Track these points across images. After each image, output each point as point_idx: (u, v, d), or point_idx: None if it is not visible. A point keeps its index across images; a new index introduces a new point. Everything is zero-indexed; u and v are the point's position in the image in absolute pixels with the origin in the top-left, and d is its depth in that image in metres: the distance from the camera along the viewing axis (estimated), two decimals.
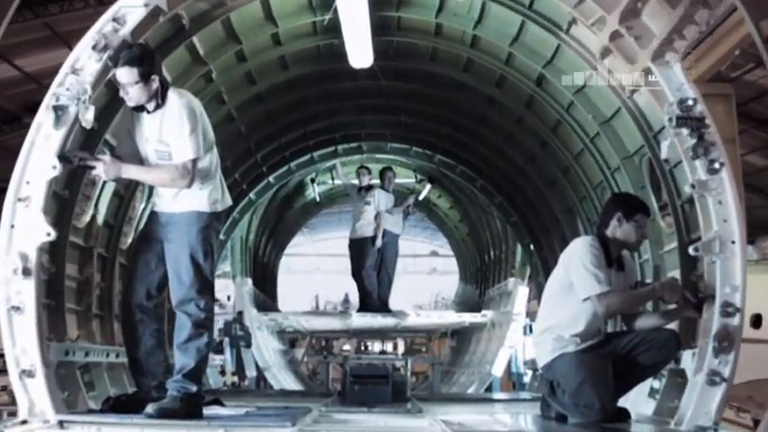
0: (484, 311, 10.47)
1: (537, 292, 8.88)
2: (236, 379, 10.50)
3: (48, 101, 3.78)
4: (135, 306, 3.96)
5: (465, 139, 8.08)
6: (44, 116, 3.77)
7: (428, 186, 11.58)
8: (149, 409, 3.73)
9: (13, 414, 4.54)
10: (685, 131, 4.02)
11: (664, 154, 4.27)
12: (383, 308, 9.63)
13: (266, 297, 11.94)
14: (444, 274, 23.66)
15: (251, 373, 10.56)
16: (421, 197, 12.00)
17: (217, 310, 4.63)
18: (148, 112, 3.85)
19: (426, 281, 25.31)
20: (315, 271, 25.60)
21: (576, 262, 3.92)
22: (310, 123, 8.19)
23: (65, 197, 4.28)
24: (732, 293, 3.78)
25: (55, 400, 3.70)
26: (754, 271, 5.67)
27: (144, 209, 5.72)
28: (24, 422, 3.60)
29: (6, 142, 11.93)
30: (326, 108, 7.93)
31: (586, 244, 3.99)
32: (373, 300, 9.57)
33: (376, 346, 14.14)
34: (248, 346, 10.07)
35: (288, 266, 25.22)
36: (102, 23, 3.87)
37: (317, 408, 5.08)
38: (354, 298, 12.82)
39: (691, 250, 4.00)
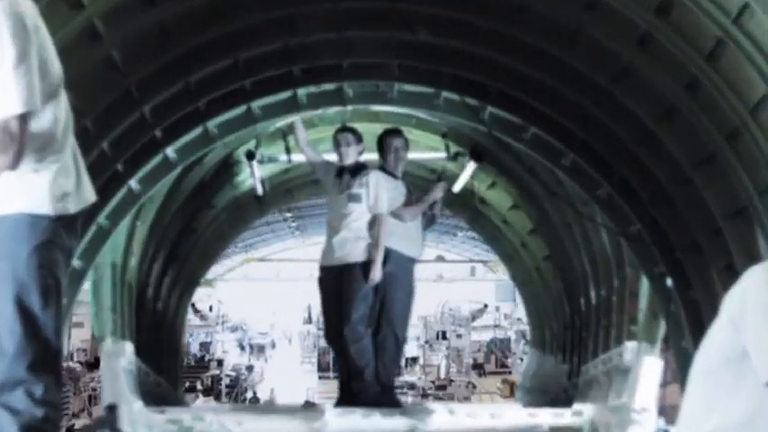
0: (578, 405, 10.47)
1: (679, 369, 8.89)
2: None
3: None
4: None
5: (540, 77, 8.10)
6: None
7: (471, 166, 11.59)
8: None
9: None
10: None
11: None
12: (384, 398, 9.62)
13: (162, 378, 11.94)
14: (452, 282, 36.40)
15: None
16: (457, 187, 12.04)
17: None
18: None
19: (432, 289, 33.13)
20: (307, 278, 30.48)
21: (756, 313, 3.91)
22: (245, 46, 8.21)
23: None
24: None
25: None
26: None
27: None
28: None
29: None
30: (276, 16, 7.95)
31: None
32: (365, 383, 9.54)
33: None
34: None
35: (277, 273, 31.41)
36: None
37: None
38: None
39: None
